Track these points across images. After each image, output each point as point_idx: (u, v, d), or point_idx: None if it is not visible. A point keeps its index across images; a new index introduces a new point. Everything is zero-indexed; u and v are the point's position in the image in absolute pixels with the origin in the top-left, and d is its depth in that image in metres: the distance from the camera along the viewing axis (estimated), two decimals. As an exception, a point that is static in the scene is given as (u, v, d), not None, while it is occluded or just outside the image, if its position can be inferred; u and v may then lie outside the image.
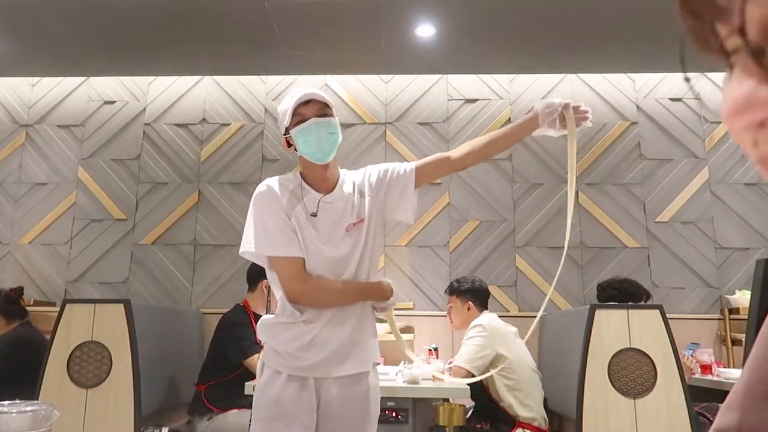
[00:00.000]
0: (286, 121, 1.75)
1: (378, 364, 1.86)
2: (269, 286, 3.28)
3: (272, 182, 1.78)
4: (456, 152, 1.86)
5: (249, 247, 1.72)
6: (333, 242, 1.74)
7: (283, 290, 1.71)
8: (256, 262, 1.80)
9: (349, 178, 1.86)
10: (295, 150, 1.77)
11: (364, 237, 1.77)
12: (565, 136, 1.84)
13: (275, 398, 1.69)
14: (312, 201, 1.76)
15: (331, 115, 1.75)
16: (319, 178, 1.79)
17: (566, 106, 1.80)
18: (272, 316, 1.80)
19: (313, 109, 1.73)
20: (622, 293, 3.22)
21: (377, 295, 1.76)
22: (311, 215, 1.73)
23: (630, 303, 3.18)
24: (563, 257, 1.79)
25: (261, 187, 1.76)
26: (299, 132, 1.73)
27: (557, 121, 1.81)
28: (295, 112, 1.73)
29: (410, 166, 1.86)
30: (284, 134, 1.78)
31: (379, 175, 1.87)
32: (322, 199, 1.77)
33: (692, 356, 3.49)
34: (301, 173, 1.83)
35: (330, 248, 1.73)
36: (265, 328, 1.78)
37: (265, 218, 1.72)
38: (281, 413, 1.68)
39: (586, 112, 1.82)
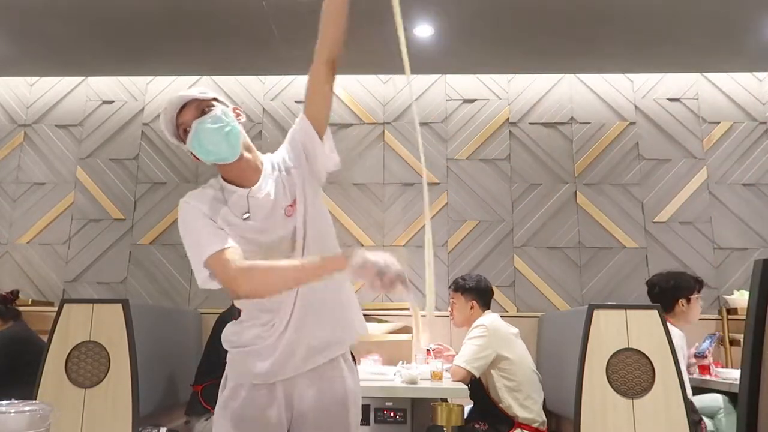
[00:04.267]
0: (176, 134, 1.61)
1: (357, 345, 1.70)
2: None
3: (190, 195, 1.63)
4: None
5: (198, 271, 1.53)
6: (272, 229, 1.60)
7: (225, 287, 1.50)
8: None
9: (270, 160, 1.70)
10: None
11: (303, 215, 1.62)
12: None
13: (239, 414, 1.58)
14: (240, 200, 1.60)
15: (211, 106, 1.57)
16: (239, 174, 1.62)
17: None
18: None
19: (190, 112, 1.57)
20: (666, 290, 3.19)
21: (327, 268, 1.44)
22: (244, 215, 1.59)
23: (628, 303, 3.19)
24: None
25: (180, 204, 1.61)
26: (189, 143, 1.56)
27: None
28: (178, 123, 1.59)
29: (300, 115, 1.70)
30: (190, 150, 1.60)
31: (292, 144, 1.71)
32: (249, 194, 1.60)
33: (708, 354, 3.44)
34: (221, 176, 1.67)
35: (267, 235, 1.59)
36: (228, 332, 1.67)
37: (191, 227, 1.56)
38: (247, 427, 1.57)
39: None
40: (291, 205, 1.62)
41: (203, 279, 1.52)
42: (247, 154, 1.62)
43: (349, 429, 1.63)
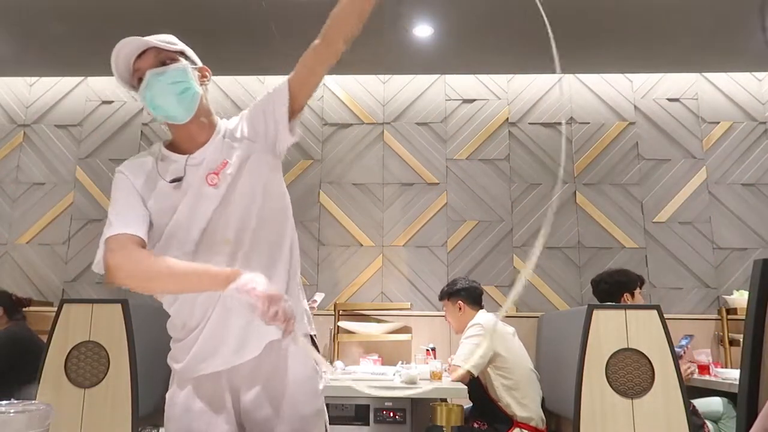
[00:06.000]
0: (129, 80, 1.44)
1: (308, 335, 1.49)
2: None
3: (125, 165, 1.48)
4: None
5: (100, 247, 1.42)
6: (197, 199, 1.42)
7: (107, 272, 1.40)
8: None
9: (224, 125, 1.54)
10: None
11: (228, 185, 1.42)
12: None
13: (186, 406, 1.45)
14: (177, 167, 1.44)
15: (174, 60, 1.43)
16: (186, 139, 1.48)
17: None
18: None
19: (148, 60, 1.41)
20: (614, 285, 3.29)
21: (211, 280, 1.28)
22: (174, 180, 1.42)
23: (627, 303, 3.20)
24: None
25: (115, 173, 1.48)
26: (141, 93, 1.41)
27: None
28: (134, 68, 1.42)
29: (283, 81, 1.51)
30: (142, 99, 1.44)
31: (255, 109, 1.53)
32: (188, 160, 1.45)
33: (684, 353, 3.52)
34: (169, 138, 1.53)
35: (195, 207, 1.41)
36: (168, 324, 1.57)
37: (114, 201, 1.44)
38: (193, 418, 1.43)
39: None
40: (215, 173, 1.43)
41: (98, 258, 1.42)
42: (202, 119, 1.48)
43: (305, 418, 1.43)
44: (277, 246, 1.48)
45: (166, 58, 1.42)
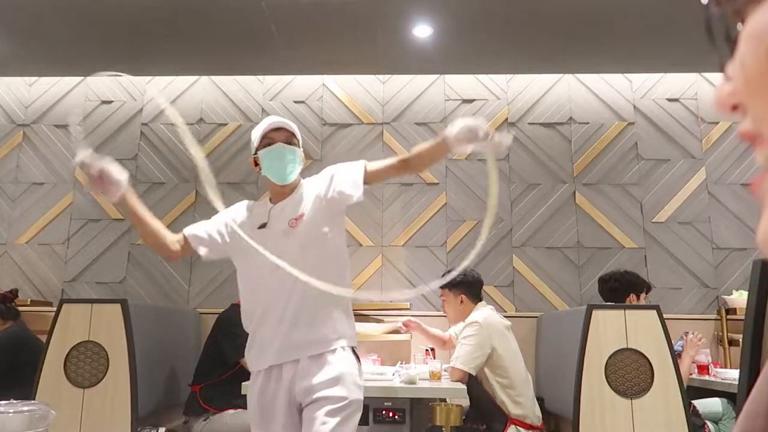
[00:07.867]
0: (256, 143, 1.96)
1: (349, 347, 1.91)
2: None
3: (243, 202, 2.09)
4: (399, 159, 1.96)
5: None
6: (276, 238, 1.88)
7: None
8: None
9: (308, 182, 2.02)
10: (260, 170, 1.97)
11: (305, 234, 1.88)
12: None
13: (256, 394, 1.89)
14: (263, 212, 1.97)
15: (296, 145, 1.96)
16: (278, 192, 1.99)
17: (484, 134, 1.72)
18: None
19: (281, 135, 1.93)
20: (624, 285, 3.29)
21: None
22: (260, 227, 1.93)
23: (627, 303, 3.20)
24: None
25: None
26: (265, 153, 1.93)
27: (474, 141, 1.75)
28: (265, 135, 1.94)
29: (362, 162, 1.97)
30: (253, 154, 1.98)
31: (330, 178, 1.98)
32: (272, 207, 1.96)
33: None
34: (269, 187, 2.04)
35: (275, 243, 1.82)
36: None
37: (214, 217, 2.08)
38: (261, 410, 1.88)
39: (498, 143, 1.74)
40: (296, 219, 1.91)
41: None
42: (292, 184, 1.98)
43: (339, 400, 1.80)
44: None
45: (292, 138, 1.95)
